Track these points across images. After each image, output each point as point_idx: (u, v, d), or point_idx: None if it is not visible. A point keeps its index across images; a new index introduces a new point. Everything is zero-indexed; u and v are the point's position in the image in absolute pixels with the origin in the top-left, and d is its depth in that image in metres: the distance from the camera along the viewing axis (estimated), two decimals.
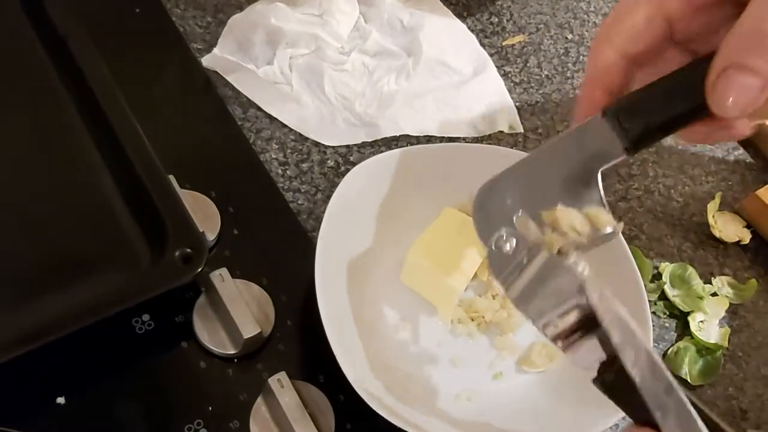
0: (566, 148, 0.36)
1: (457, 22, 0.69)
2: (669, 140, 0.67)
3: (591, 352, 0.34)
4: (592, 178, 0.35)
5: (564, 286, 0.34)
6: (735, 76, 0.30)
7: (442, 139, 0.62)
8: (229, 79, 0.61)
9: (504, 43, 0.69)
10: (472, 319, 0.53)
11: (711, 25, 0.34)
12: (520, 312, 0.36)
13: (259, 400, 0.46)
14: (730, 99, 0.30)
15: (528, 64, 0.69)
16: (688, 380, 0.54)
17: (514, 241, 0.36)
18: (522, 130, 0.64)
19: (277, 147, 0.59)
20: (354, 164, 0.57)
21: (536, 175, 0.37)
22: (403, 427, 0.44)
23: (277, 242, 0.54)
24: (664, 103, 0.33)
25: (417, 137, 0.62)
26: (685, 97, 0.32)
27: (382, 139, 0.61)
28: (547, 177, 0.36)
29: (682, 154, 0.66)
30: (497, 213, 0.37)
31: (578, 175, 0.35)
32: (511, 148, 0.61)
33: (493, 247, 0.37)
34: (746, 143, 0.68)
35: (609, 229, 0.35)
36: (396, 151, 0.55)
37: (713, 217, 0.62)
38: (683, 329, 0.57)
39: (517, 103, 0.66)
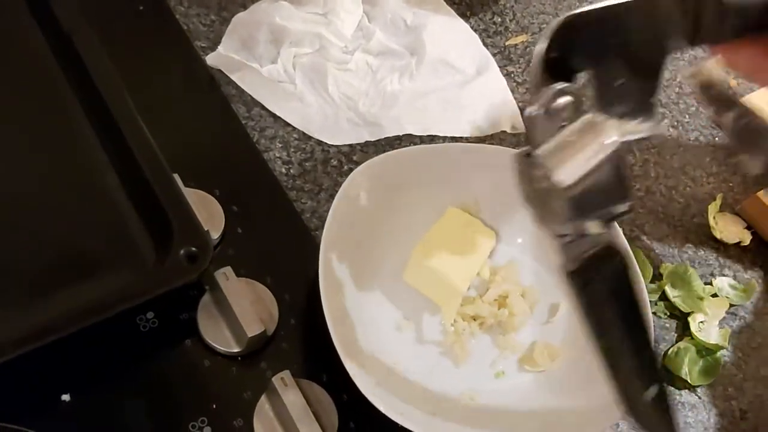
0: None
1: (461, 21, 0.69)
2: (670, 141, 0.67)
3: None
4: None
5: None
6: None
7: (445, 139, 0.62)
8: (233, 77, 0.62)
9: (507, 43, 0.69)
10: (474, 319, 0.53)
11: None
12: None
13: (263, 398, 0.47)
14: None
15: (531, 65, 0.69)
16: (688, 380, 0.54)
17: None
18: (524, 130, 0.64)
19: (280, 146, 0.60)
20: (357, 164, 0.57)
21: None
22: (406, 426, 0.44)
23: (281, 241, 0.54)
24: None
25: (420, 137, 0.62)
26: None
27: (385, 138, 0.61)
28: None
29: (683, 155, 0.67)
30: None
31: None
32: (514, 148, 0.61)
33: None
34: None
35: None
36: (399, 151, 0.55)
37: (714, 218, 0.62)
38: (683, 330, 0.57)
39: (520, 103, 0.66)
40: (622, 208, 0.35)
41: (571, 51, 0.34)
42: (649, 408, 0.34)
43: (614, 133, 0.33)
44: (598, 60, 0.34)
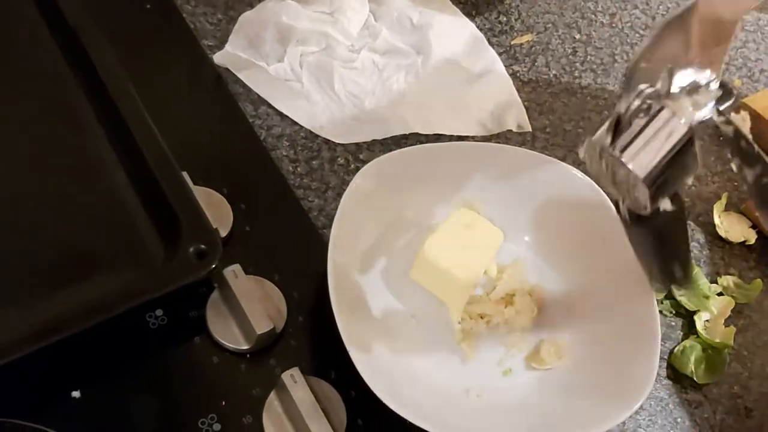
0: None
1: (466, 20, 0.69)
2: None
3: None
4: None
5: None
6: None
7: (451, 138, 0.62)
8: (240, 76, 0.62)
9: (512, 43, 0.70)
10: (482, 317, 0.53)
11: None
12: None
13: (272, 395, 0.47)
14: None
15: (536, 64, 0.69)
16: (694, 378, 0.54)
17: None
18: (530, 129, 0.64)
19: (287, 144, 0.60)
20: (364, 162, 0.57)
21: None
22: (414, 422, 0.44)
23: (289, 239, 0.55)
24: None
25: (426, 135, 0.62)
26: None
27: (391, 137, 0.61)
28: None
29: None
30: None
31: None
32: (520, 146, 0.62)
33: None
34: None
35: None
36: (406, 149, 0.55)
37: (719, 217, 0.63)
38: (689, 328, 0.57)
39: (526, 102, 0.66)
40: (689, 180, 0.41)
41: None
42: None
43: (683, 114, 0.39)
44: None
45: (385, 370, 0.47)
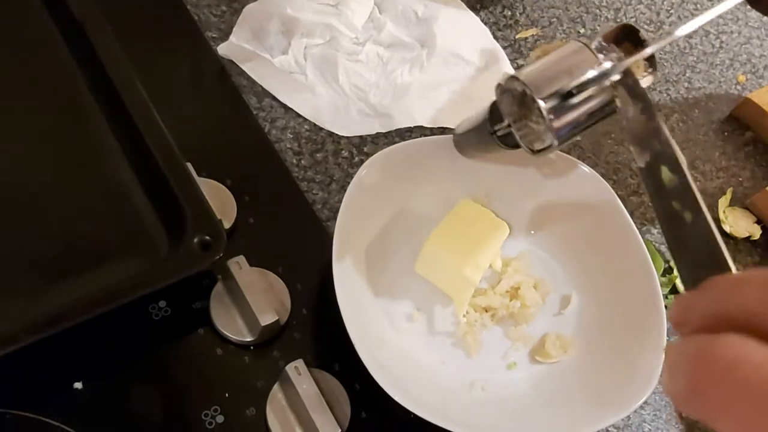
0: None
1: (471, 14, 0.69)
2: (680, 136, 0.67)
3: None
4: None
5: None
6: None
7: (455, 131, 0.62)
8: (244, 68, 0.61)
9: (517, 36, 0.69)
10: (486, 310, 0.53)
11: None
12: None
13: (276, 387, 0.47)
14: None
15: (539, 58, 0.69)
16: None
17: None
18: None
19: (291, 137, 0.59)
20: (368, 155, 0.57)
21: None
22: (420, 415, 0.44)
23: (293, 231, 0.54)
24: None
25: (431, 128, 0.62)
26: None
27: (396, 129, 0.61)
28: None
29: (692, 150, 0.67)
30: None
31: None
32: None
33: None
34: (757, 140, 0.68)
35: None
36: (411, 142, 0.55)
37: (724, 212, 0.62)
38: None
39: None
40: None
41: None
42: None
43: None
44: None
45: (389, 363, 0.47)
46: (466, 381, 0.50)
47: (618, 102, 0.40)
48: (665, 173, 0.34)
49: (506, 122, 0.46)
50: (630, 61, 0.41)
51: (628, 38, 0.43)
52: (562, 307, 0.54)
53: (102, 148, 0.52)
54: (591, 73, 0.42)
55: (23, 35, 0.56)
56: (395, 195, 0.54)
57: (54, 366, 0.46)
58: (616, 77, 0.41)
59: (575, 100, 0.42)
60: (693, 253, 0.31)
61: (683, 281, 0.32)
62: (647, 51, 0.41)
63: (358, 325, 0.46)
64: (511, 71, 0.67)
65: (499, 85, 0.45)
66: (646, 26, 0.74)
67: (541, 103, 0.41)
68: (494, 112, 0.47)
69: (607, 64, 0.42)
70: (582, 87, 0.42)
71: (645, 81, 0.43)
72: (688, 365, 0.23)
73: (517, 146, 0.47)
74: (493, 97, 0.63)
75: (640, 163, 0.36)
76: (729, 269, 0.30)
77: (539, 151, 0.45)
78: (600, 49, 0.43)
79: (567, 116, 0.42)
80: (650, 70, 0.44)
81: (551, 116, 0.42)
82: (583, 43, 0.43)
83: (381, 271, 0.53)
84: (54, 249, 0.48)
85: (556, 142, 0.43)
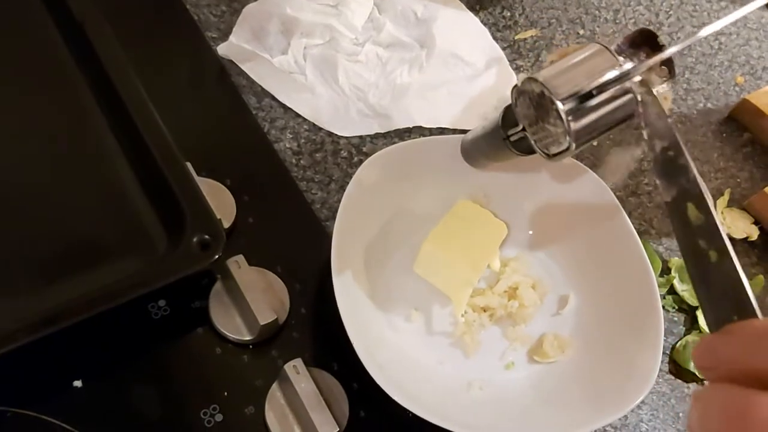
0: None
1: (470, 15, 0.69)
2: (679, 135, 0.67)
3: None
4: None
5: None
6: None
7: (454, 131, 0.62)
8: (243, 68, 0.62)
9: (516, 37, 0.70)
10: (485, 310, 0.53)
11: None
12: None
13: (275, 386, 0.47)
14: None
15: (540, 59, 0.69)
16: (697, 373, 0.54)
17: None
18: None
19: (291, 137, 0.60)
20: (367, 155, 0.57)
21: None
22: (418, 414, 0.44)
23: (292, 231, 0.55)
24: None
25: (430, 129, 0.62)
26: None
27: (395, 130, 0.61)
28: None
29: (691, 151, 0.67)
30: None
31: None
32: None
33: None
34: (755, 141, 0.69)
35: None
36: (410, 142, 0.55)
37: (722, 213, 0.63)
38: (691, 323, 0.57)
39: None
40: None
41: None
42: None
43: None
44: None
45: (388, 362, 0.47)
46: (464, 381, 0.50)
47: (645, 135, 0.40)
48: (691, 211, 0.34)
49: (521, 126, 0.45)
50: (651, 62, 0.41)
51: (646, 43, 0.42)
52: (560, 307, 0.54)
53: (101, 147, 0.52)
54: (611, 74, 0.41)
55: (23, 35, 0.56)
56: (394, 195, 0.54)
57: (54, 364, 0.46)
58: (636, 78, 0.41)
59: (594, 101, 0.41)
60: (717, 293, 0.31)
61: (707, 321, 0.31)
62: (667, 53, 0.41)
63: (356, 324, 0.46)
64: (511, 72, 0.67)
65: (515, 88, 0.44)
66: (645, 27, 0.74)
67: (560, 105, 0.41)
68: (508, 117, 0.46)
69: (628, 65, 0.41)
70: (602, 88, 0.41)
71: (663, 87, 0.43)
72: (722, 419, 0.24)
73: (530, 151, 0.46)
74: (499, 101, 0.64)
75: (666, 197, 0.36)
76: (754, 313, 0.30)
77: (555, 155, 0.44)
78: (620, 52, 0.42)
79: (585, 119, 0.42)
80: (668, 75, 0.43)
81: (570, 117, 0.41)
82: (602, 45, 0.42)
83: (379, 270, 0.53)
84: (53, 248, 0.48)
85: (573, 146, 0.42)
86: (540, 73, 0.43)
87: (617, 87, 0.41)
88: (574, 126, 0.41)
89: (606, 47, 0.42)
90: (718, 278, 0.32)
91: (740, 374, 0.25)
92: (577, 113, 0.41)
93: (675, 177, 0.36)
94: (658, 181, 0.37)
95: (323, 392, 0.46)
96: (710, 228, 0.33)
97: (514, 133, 0.46)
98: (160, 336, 0.48)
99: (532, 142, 0.45)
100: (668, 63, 0.42)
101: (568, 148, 0.43)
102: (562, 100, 0.41)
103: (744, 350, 0.25)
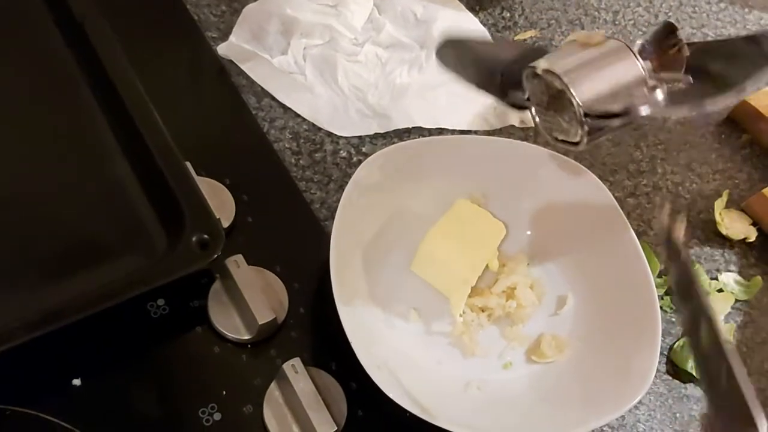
0: None
1: (470, 15, 0.70)
2: (677, 137, 0.67)
3: None
4: None
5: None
6: None
7: (453, 132, 0.62)
8: (243, 68, 0.62)
9: (515, 38, 0.70)
10: (483, 310, 0.53)
11: None
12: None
13: (273, 385, 0.47)
14: None
15: None
16: (694, 374, 0.54)
17: None
18: (533, 125, 0.64)
19: (290, 136, 0.60)
20: (366, 155, 0.57)
21: None
22: (416, 413, 0.44)
23: (291, 230, 0.55)
24: None
25: (429, 129, 0.62)
26: None
27: (394, 130, 0.61)
28: None
29: (689, 152, 0.67)
30: None
31: None
32: (523, 141, 0.62)
33: None
34: (753, 142, 0.69)
35: None
36: (409, 142, 0.55)
37: (720, 214, 0.63)
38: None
39: None
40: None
41: None
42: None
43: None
44: None
45: (386, 362, 0.47)
46: (462, 380, 0.50)
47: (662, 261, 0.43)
48: (704, 332, 0.37)
49: (526, 96, 0.45)
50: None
51: (668, 37, 0.43)
52: (558, 307, 0.54)
53: (101, 147, 0.52)
54: (641, 110, 0.41)
55: (23, 34, 0.56)
56: (393, 195, 0.54)
57: (53, 363, 0.46)
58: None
59: (616, 121, 0.42)
60: (725, 402, 0.35)
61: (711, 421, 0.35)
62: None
63: (354, 324, 0.46)
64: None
65: (530, 69, 0.44)
66: (644, 28, 0.74)
67: (586, 120, 0.41)
68: (513, 74, 0.46)
69: (659, 97, 0.42)
70: (626, 112, 0.41)
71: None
72: None
73: (521, 108, 0.46)
74: (492, 102, 0.63)
75: (681, 316, 0.39)
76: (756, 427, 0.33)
77: (560, 141, 0.45)
78: (642, 51, 0.42)
79: (603, 130, 0.42)
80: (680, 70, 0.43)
81: (588, 129, 0.42)
82: (626, 45, 0.42)
83: (378, 270, 0.53)
84: (53, 247, 0.48)
85: (584, 146, 0.43)
86: (562, 66, 0.42)
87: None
88: (591, 135, 0.42)
89: (629, 48, 0.42)
90: (726, 393, 0.35)
91: None
92: (596, 126, 0.42)
93: (688, 300, 0.39)
94: (672, 300, 0.41)
95: (321, 392, 0.46)
96: (719, 352, 0.36)
97: (516, 94, 0.46)
98: (159, 335, 0.49)
99: (535, 118, 0.45)
100: (680, 59, 0.42)
101: (577, 144, 0.43)
102: (590, 117, 0.41)
103: None
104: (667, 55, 0.42)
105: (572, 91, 0.41)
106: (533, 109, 0.45)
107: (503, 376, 0.51)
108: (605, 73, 0.42)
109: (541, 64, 0.43)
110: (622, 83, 0.42)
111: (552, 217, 0.56)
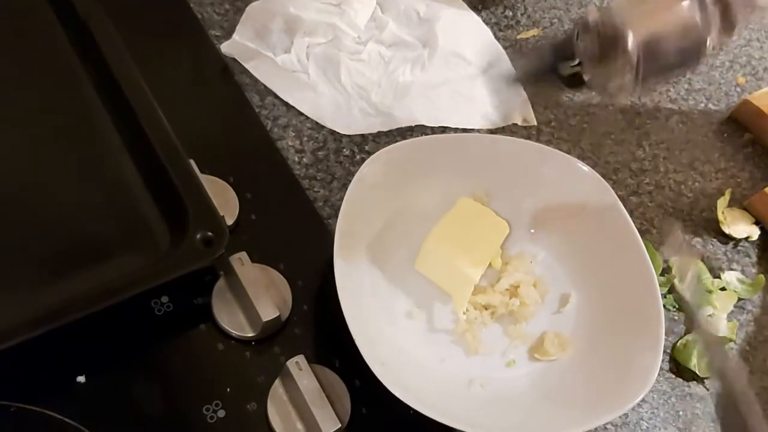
0: None
1: (472, 14, 0.70)
2: (680, 136, 0.68)
3: None
4: None
5: None
6: None
7: (456, 130, 0.62)
8: (247, 66, 0.62)
9: (518, 37, 0.70)
10: (486, 308, 0.53)
11: None
12: None
13: (277, 382, 0.47)
14: None
15: None
16: (697, 372, 0.54)
17: None
18: (535, 123, 0.65)
19: (293, 135, 0.60)
20: (369, 153, 0.58)
21: None
22: (420, 410, 0.44)
23: (294, 228, 0.55)
24: None
25: (432, 128, 0.62)
26: None
27: (397, 128, 0.61)
28: None
29: (692, 151, 0.67)
30: None
31: None
32: (526, 139, 0.62)
33: None
34: (756, 141, 0.69)
35: None
36: (413, 140, 0.56)
37: (723, 213, 0.63)
38: (692, 322, 0.57)
39: (531, 96, 0.66)
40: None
41: None
42: None
43: None
44: None
45: (390, 359, 0.47)
46: (465, 378, 0.50)
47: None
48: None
49: (577, 61, 0.44)
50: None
51: None
52: (561, 305, 0.54)
53: (105, 144, 0.52)
54: (699, 54, 0.41)
55: (27, 33, 0.56)
56: (396, 193, 0.54)
57: (57, 360, 0.46)
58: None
59: (670, 60, 0.42)
60: None
61: None
62: None
63: (358, 321, 0.46)
64: (512, 72, 0.67)
65: (580, 20, 0.44)
66: None
67: (639, 59, 0.41)
68: (562, 49, 0.46)
69: (713, 37, 0.41)
70: (684, 53, 0.41)
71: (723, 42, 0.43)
72: None
73: (580, 85, 0.46)
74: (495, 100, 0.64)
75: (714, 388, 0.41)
76: None
77: (613, 93, 0.44)
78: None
79: (657, 75, 0.42)
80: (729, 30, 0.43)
81: (642, 69, 0.41)
82: None
83: (381, 268, 0.53)
84: (57, 244, 0.48)
85: (639, 92, 0.43)
86: (618, 8, 0.42)
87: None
88: (645, 82, 0.42)
89: None
90: None
91: None
92: (649, 65, 0.41)
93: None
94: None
95: (325, 389, 0.46)
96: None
97: (565, 65, 0.46)
98: (163, 332, 0.49)
99: (586, 76, 0.44)
100: (730, 18, 0.43)
101: (630, 92, 0.43)
102: (637, 46, 0.40)
103: None
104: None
105: (626, 28, 0.41)
106: (584, 67, 0.44)
107: (506, 374, 0.51)
108: (660, 14, 0.42)
109: (593, 9, 0.43)
110: (677, 23, 0.41)
111: (555, 215, 0.56)
